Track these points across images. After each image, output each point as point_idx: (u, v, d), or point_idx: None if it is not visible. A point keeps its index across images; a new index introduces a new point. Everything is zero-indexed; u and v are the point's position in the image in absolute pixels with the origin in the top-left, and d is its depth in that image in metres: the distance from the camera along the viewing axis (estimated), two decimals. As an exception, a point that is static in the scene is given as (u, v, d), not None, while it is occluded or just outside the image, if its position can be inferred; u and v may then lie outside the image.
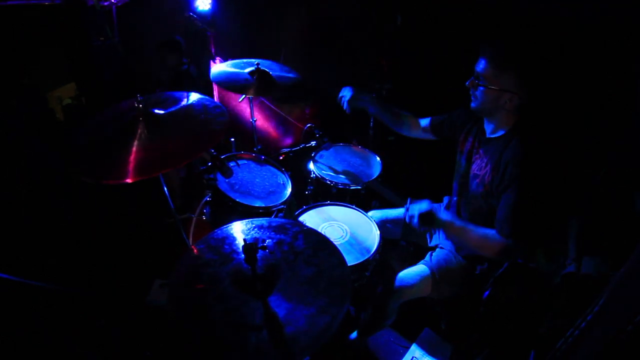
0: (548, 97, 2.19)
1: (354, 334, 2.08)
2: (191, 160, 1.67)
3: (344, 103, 2.19)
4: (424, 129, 2.14)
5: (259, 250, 1.16)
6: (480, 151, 1.83)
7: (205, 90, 3.42)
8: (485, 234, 1.68)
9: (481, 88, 1.69)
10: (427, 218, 1.71)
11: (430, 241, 2.14)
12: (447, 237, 2.01)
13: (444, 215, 1.73)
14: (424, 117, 2.17)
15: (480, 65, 1.69)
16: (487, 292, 1.86)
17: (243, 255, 1.16)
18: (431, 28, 3.06)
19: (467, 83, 1.74)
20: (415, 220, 1.72)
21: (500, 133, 1.77)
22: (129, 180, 1.47)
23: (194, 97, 1.88)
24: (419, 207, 1.73)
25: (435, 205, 1.78)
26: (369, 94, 2.22)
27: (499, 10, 2.58)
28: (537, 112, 1.88)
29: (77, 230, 2.89)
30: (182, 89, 3.25)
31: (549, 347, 1.13)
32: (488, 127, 1.83)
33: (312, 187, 2.39)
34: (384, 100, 2.99)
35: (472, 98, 1.76)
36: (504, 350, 1.96)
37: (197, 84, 3.46)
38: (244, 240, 1.12)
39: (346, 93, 2.20)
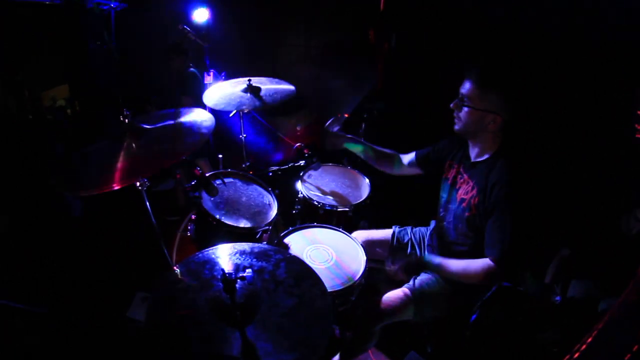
0: (533, 117, 2.23)
1: (337, 358, 2.05)
2: (174, 162, 1.71)
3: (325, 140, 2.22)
4: (410, 164, 2.15)
5: (238, 281, 1.14)
6: (465, 176, 1.85)
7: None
8: (466, 264, 1.70)
9: (465, 109, 1.72)
10: (413, 268, 1.85)
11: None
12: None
13: (427, 258, 1.83)
14: (406, 150, 2.18)
15: (465, 87, 1.72)
16: (474, 316, 1.85)
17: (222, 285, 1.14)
18: (425, 48, 3.09)
19: (451, 105, 1.77)
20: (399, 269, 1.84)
21: (485, 157, 1.79)
22: (115, 187, 1.48)
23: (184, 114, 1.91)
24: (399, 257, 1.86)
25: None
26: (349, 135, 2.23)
27: (487, 30, 2.61)
28: (522, 134, 1.90)
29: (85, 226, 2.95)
30: (188, 90, 3.29)
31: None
32: (473, 152, 1.85)
33: (299, 207, 2.37)
34: (374, 122, 3.02)
35: (455, 120, 1.79)
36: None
37: (203, 85, 3.46)
38: (222, 271, 1.10)
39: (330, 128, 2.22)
